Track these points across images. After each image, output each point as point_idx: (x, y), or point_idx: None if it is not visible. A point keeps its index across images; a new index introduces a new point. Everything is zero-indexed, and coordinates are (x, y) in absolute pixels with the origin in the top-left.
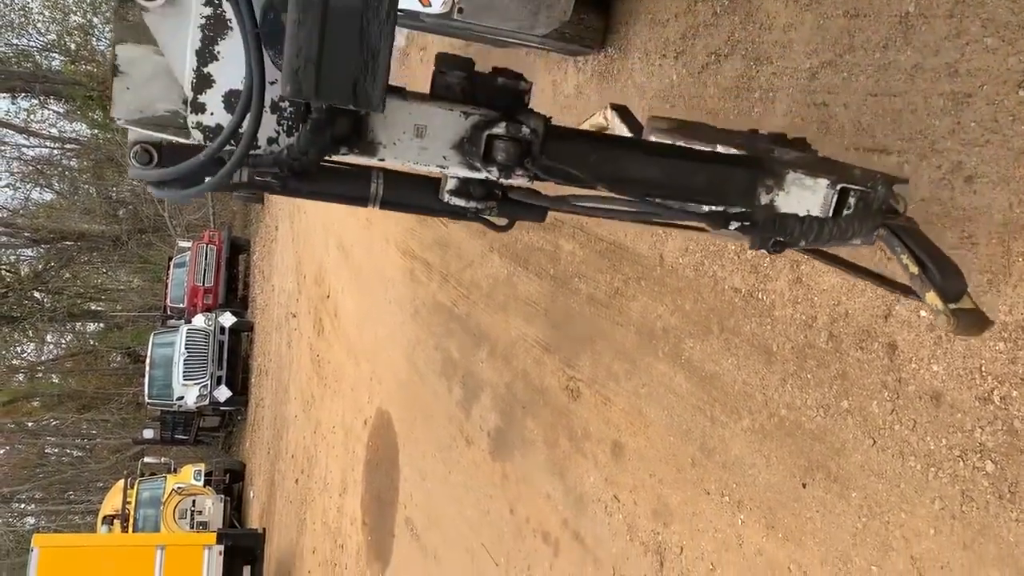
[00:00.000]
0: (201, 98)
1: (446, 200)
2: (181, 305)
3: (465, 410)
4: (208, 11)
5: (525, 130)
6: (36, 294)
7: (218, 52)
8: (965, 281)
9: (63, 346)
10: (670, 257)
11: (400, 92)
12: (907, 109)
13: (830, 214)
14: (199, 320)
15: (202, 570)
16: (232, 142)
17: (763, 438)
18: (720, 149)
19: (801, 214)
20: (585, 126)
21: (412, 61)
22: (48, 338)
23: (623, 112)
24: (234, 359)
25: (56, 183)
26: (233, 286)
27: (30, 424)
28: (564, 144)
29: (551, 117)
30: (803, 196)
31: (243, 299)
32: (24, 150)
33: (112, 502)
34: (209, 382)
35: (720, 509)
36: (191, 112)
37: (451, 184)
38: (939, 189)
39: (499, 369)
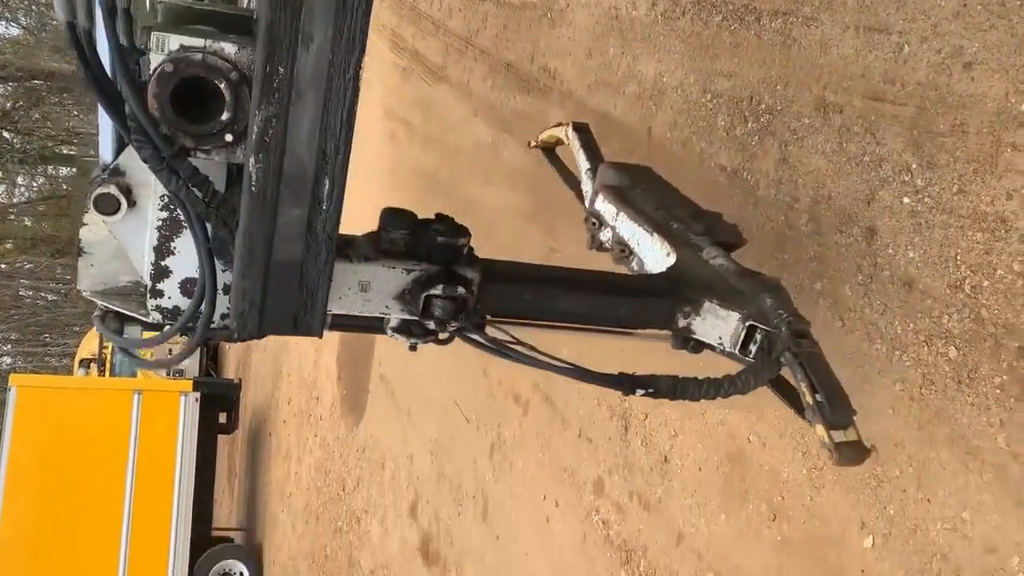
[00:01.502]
0: (159, 286)
1: (389, 335)
2: None
3: None
4: (164, 215)
5: (460, 290)
6: (5, 134)
7: (174, 248)
8: (852, 412)
9: (35, 189)
10: (658, 131)
11: (347, 253)
12: None
13: (738, 346)
14: None
15: (179, 415)
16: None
17: None
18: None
19: (715, 342)
20: (544, 135)
21: None
22: (19, 180)
23: (583, 132)
24: None
25: (23, 17)
26: None
27: (3, 266)
28: (500, 287)
29: (488, 262)
30: (716, 324)
31: None
32: None
33: (89, 346)
34: None
35: None
36: (150, 297)
37: (394, 322)
38: (936, 74)
39: (480, 240)
